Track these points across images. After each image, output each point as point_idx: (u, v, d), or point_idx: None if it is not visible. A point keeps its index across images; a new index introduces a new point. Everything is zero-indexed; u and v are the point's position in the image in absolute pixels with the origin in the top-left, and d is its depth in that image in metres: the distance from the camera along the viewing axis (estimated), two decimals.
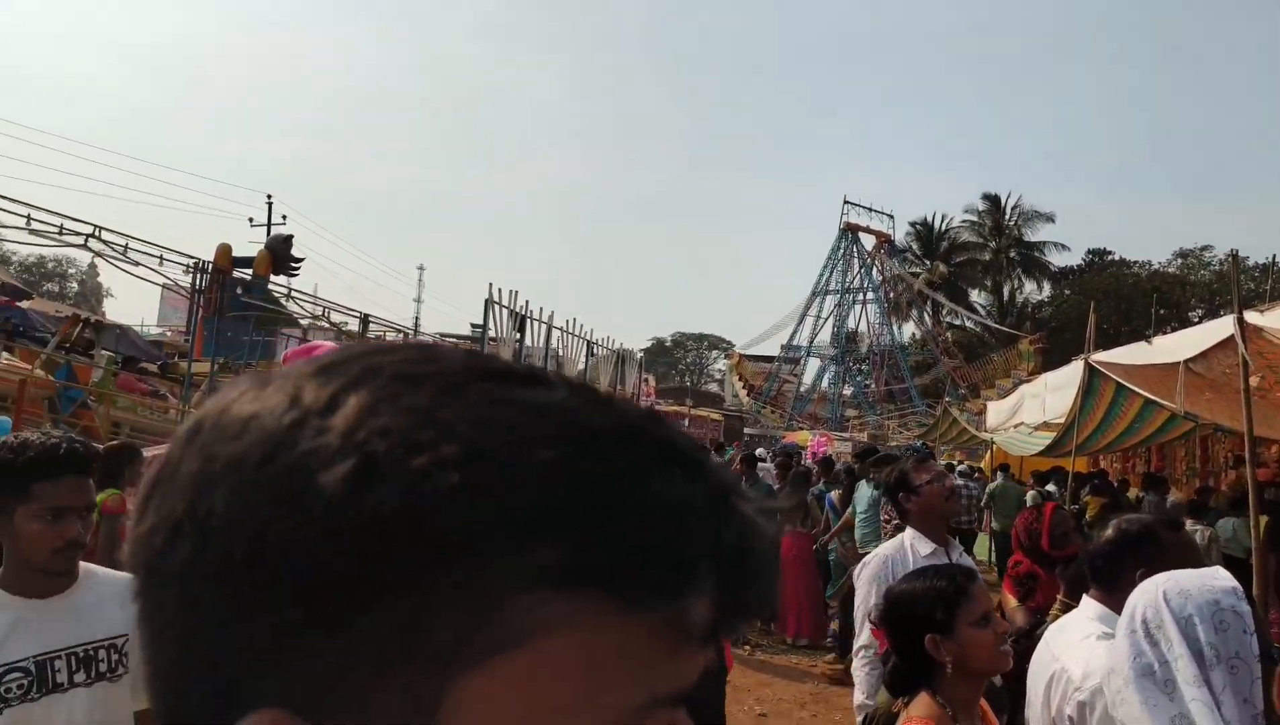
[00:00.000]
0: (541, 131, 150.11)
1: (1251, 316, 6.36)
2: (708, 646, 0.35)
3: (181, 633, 0.33)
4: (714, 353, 76.21)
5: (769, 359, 50.07)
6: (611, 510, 0.32)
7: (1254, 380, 5.68)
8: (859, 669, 3.23)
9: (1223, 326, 6.82)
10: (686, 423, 28.51)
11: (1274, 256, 33.07)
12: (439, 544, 0.30)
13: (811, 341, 49.35)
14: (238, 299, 16.14)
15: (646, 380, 29.30)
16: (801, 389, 47.70)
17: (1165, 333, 10.34)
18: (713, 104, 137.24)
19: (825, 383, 48.79)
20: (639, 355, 28.96)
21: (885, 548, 3.32)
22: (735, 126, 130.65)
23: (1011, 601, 4.04)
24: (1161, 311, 24.54)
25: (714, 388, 64.66)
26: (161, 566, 0.34)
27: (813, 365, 49.67)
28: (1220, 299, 34.65)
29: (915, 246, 51.19)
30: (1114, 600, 1.94)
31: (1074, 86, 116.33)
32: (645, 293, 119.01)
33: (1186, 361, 7.17)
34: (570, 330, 18.11)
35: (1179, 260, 45.94)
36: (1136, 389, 7.75)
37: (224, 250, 16.58)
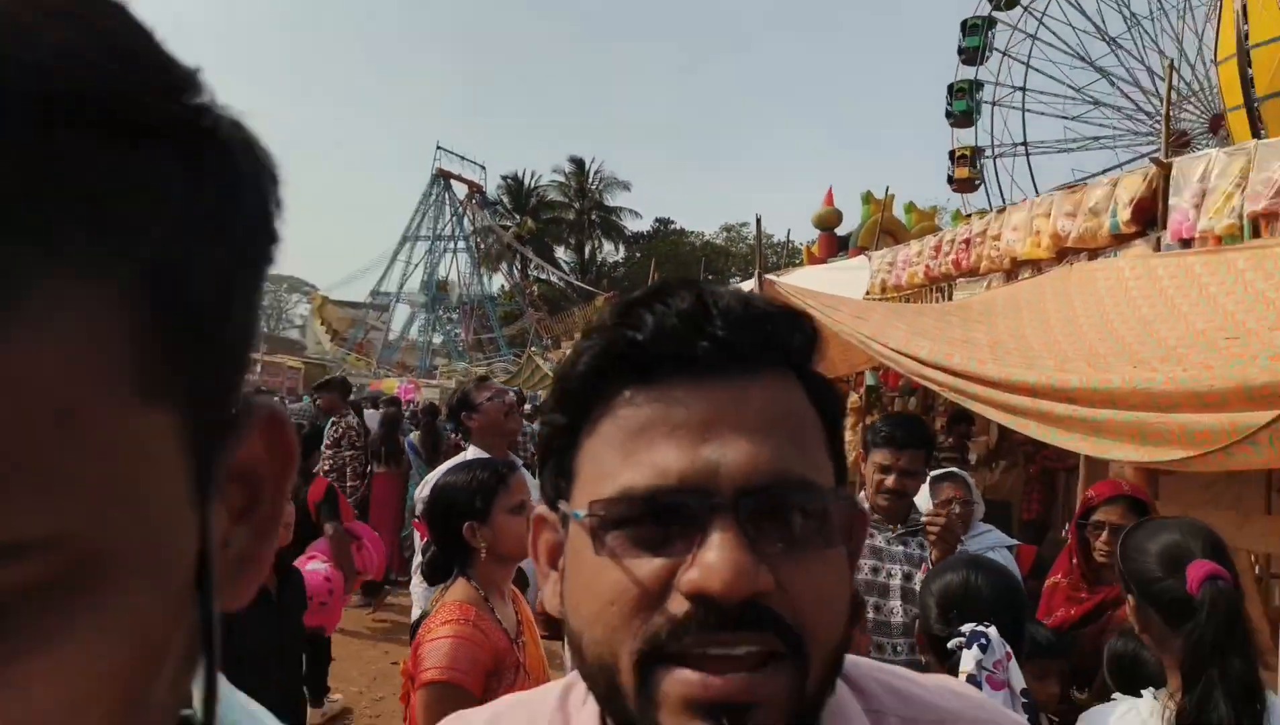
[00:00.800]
0: None
1: (770, 276, 7.71)
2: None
3: None
4: (294, 296, 71.00)
5: (356, 305, 48.01)
6: None
7: None
8: (416, 586, 3.29)
9: (750, 284, 8.11)
10: (259, 370, 26.17)
11: (789, 231, 41.03)
12: None
13: (401, 287, 48.34)
14: None
15: None
16: (390, 336, 46.60)
17: None
18: (307, 26, 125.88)
19: (415, 330, 48.26)
20: None
21: (450, 463, 3.37)
22: (324, 50, 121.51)
23: None
24: (710, 276, 28.31)
25: (294, 334, 60.36)
26: None
27: (402, 312, 48.81)
28: (752, 268, 41.04)
29: (506, 200, 52.56)
30: None
31: (653, 65, 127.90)
32: None
33: None
34: None
35: (724, 233, 53.40)
36: None
37: None
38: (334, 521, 4.34)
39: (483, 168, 49.85)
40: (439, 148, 47.67)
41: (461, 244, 48.92)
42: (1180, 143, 9.52)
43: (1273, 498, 6.11)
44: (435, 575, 2.15)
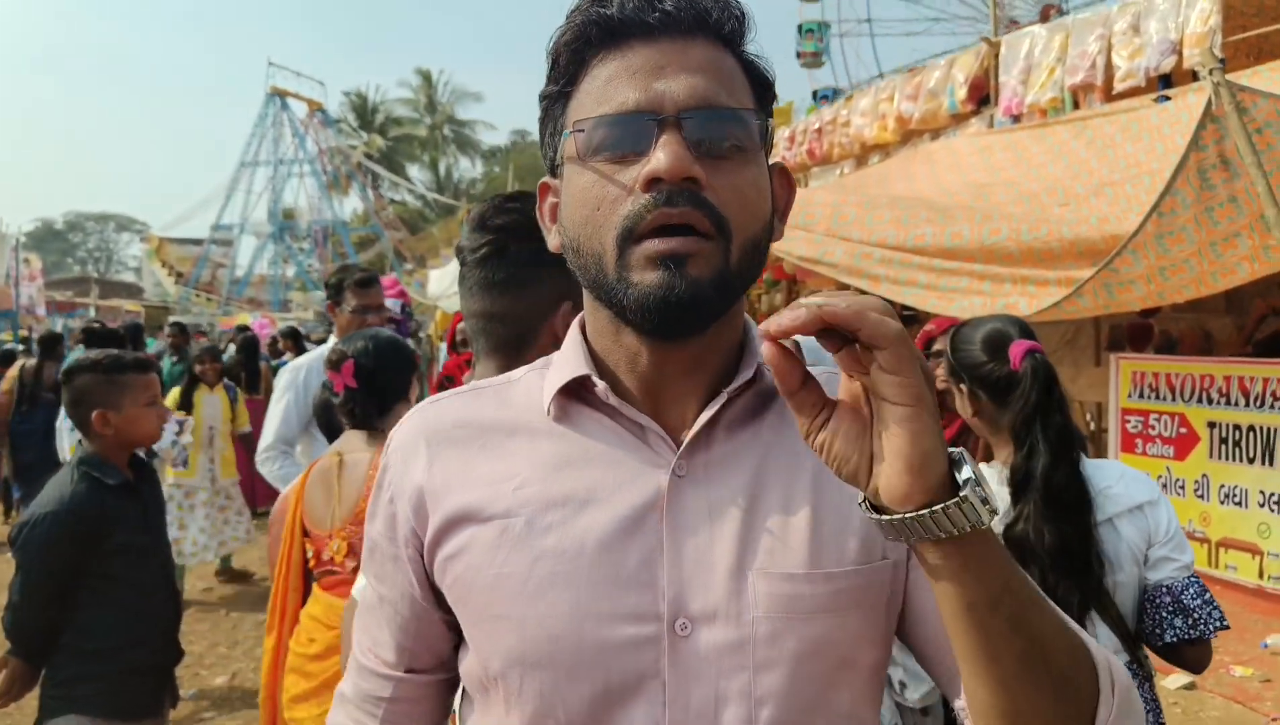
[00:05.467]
0: None
1: None
2: None
3: None
4: (124, 235, 65.52)
5: (197, 241, 44.67)
6: None
7: None
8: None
9: None
10: (93, 313, 24.19)
11: None
12: None
13: (245, 219, 45.28)
14: None
15: (27, 261, 23.84)
16: (238, 272, 43.77)
17: None
18: None
19: (265, 263, 45.53)
20: (18, 236, 23.49)
21: (304, 358, 3.40)
22: None
23: None
24: None
25: (130, 277, 55.85)
26: None
27: (249, 244, 45.86)
28: None
29: (350, 118, 49.54)
30: None
31: None
32: (23, 164, 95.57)
33: None
34: None
35: None
36: None
37: None
38: None
39: (321, 84, 46.50)
40: (271, 64, 44.26)
41: (307, 167, 45.94)
42: (1014, 30, 10.01)
43: (1100, 352, 6.76)
44: None
